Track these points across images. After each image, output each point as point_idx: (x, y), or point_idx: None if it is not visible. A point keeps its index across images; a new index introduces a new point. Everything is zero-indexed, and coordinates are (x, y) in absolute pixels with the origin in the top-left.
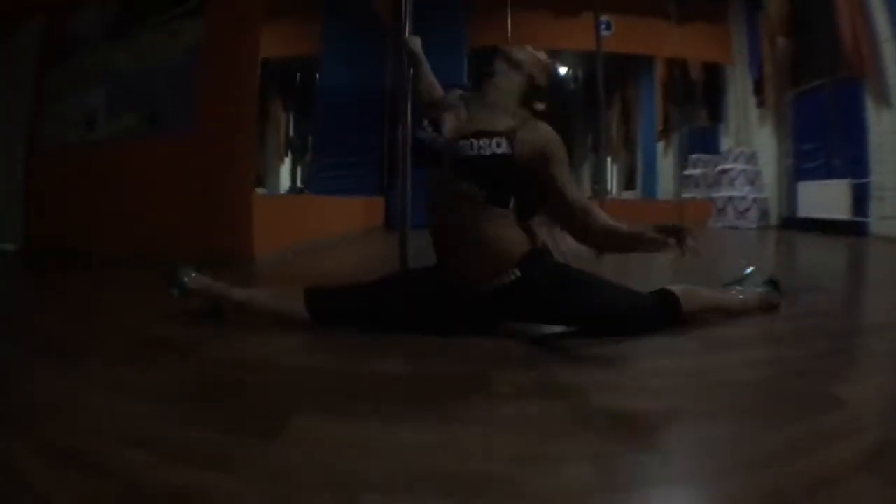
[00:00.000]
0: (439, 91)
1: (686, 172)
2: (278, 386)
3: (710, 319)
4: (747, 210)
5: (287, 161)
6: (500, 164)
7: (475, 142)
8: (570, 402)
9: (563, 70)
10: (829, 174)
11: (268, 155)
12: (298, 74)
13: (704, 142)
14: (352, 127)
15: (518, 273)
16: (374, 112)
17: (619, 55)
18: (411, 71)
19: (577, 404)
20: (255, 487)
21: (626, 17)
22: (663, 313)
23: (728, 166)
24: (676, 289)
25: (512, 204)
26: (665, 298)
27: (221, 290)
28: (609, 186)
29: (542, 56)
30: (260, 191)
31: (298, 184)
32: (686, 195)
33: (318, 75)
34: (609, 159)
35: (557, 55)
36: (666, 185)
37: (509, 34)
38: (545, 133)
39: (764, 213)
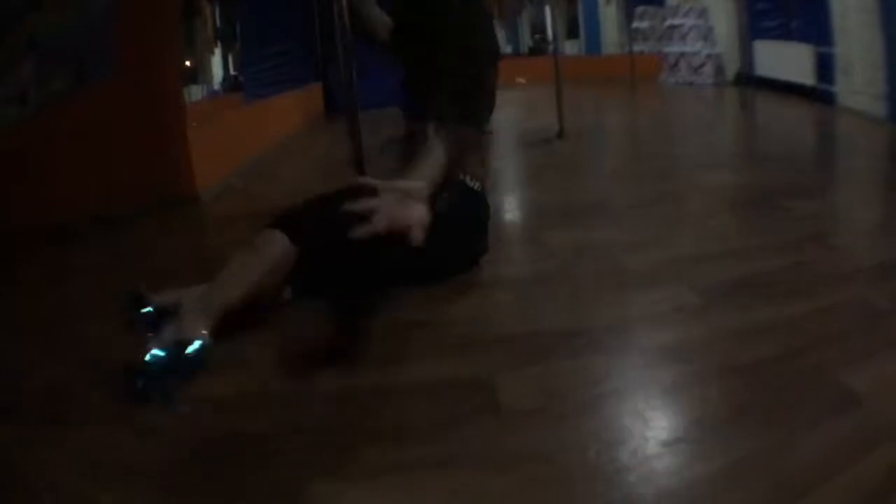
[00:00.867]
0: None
1: (634, 25)
2: None
3: None
4: (702, 66)
5: (218, 51)
6: None
7: None
8: None
9: None
10: (788, 35)
11: (199, 49)
12: None
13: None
14: (279, 6)
15: None
16: None
17: None
18: None
19: None
20: None
21: None
22: None
23: (678, 21)
24: None
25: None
26: None
27: (192, 299)
28: (550, 37)
29: None
30: (193, 93)
31: (231, 71)
32: (635, 49)
33: None
34: (548, 8)
35: None
36: (610, 36)
37: None
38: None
39: (719, 70)
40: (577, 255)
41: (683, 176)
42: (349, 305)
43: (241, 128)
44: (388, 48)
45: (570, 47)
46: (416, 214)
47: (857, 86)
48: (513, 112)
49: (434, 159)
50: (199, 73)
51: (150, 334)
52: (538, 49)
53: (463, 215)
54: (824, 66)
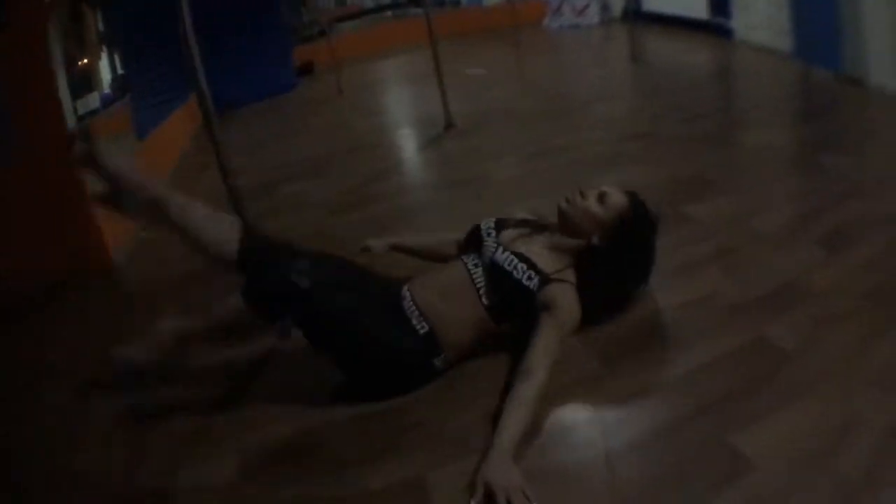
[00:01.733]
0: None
1: None
2: None
3: None
4: (586, 7)
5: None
6: (518, 292)
7: (512, 257)
8: None
9: None
10: None
11: (88, 52)
12: None
13: None
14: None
15: None
16: None
17: None
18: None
19: None
20: None
21: None
22: None
23: None
24: None
25: (502, 324)
26: None
27: (143, 180)
28: None
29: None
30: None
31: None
32: None
33: None
34: None
35: None
36: None
37: None
38: (570, 302)
39: (605, 7)
40: None
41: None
42: None
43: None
44: None
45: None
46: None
47: (757, 21)
48: (391, 93)
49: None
50: (92, 81)
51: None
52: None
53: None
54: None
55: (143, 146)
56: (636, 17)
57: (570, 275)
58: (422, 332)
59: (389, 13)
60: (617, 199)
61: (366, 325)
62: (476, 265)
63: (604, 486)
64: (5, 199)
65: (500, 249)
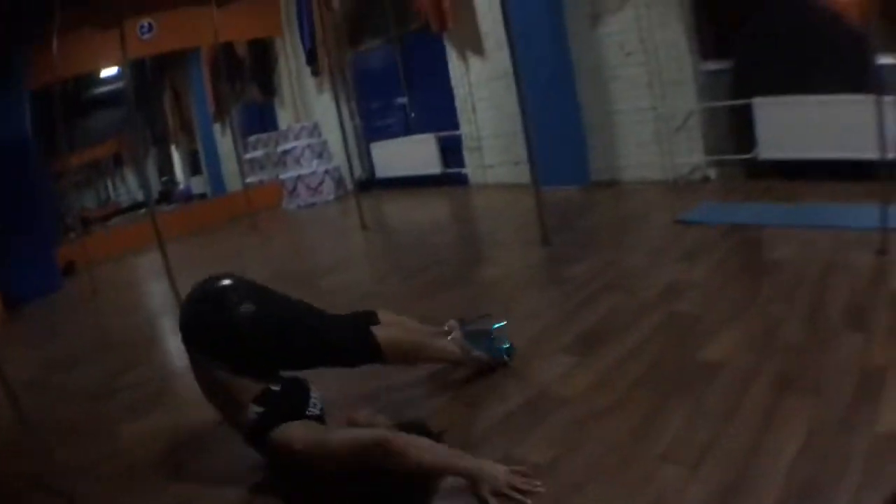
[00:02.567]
0: None
1: (248, 156)
2: None
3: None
4: (320, 184)
5: None
6: None
7: None
8: None
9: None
10: (408, 130)
11: None
12: None
13: (262, 119)
14: None
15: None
16: None
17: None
18: None
19: None
20: None
21: (168, 14)
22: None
23: (290, 145)
24: (381, 333)
25: None
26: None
27: None
28: (178, 176)
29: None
30: None
31: None
32: (252, 179)
33: None
34: (172, 147)
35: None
36: (230, 166)
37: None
38: None
39: (339, 183)
40: None
41: None
42: None
43: None
44: None
45: (197, 184)
46: None
47: (489, 160)
48: (141, 290)
49: None
50: None
51: None
52: (167, 194)
53: None
54: (449, 151)
55: None
56: (370, 186)
57: None
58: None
59: (142, 210)
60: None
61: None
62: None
63: None
64: None
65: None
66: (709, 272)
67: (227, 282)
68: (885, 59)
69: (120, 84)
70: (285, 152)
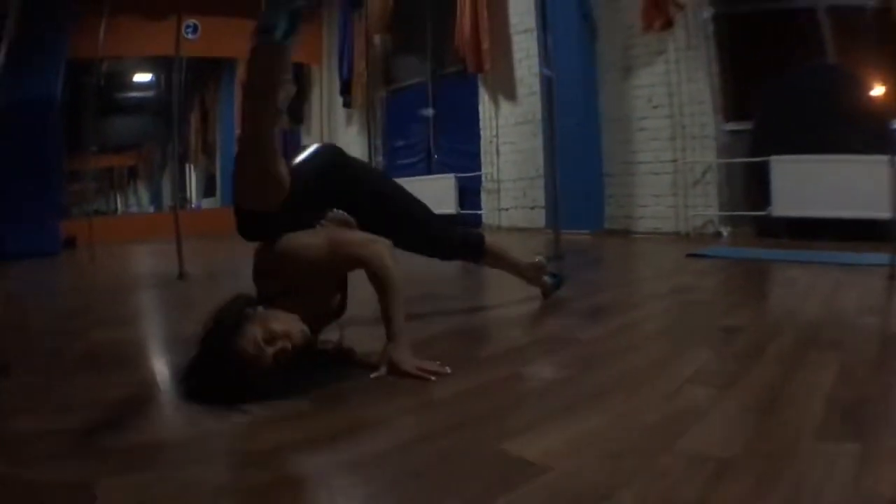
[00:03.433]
0: None
1: None
2: None
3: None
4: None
5: None
6: None
7: None
8: None
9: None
10: (429, 170)
11: None
12: None
13: (285, 144)
14: None
15: None
16: None
17: (204, 59)
18: None
19: None
20: None
21: (213, 19)
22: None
23: None
24: (489, 238)
25: None
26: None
27: None
28: (189, 195)
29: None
30: None
31: None
32: None
33: None
34: (190, 166)
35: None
36: None
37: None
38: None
39: None
40: None
41: None
42: None
43: None
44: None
45: (207, 204)
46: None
47: (505, 203)
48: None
49: None
50: None
51: None
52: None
53: None
54: (467, 192)
55: None
56: None
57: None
58: None
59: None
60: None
61: None
62: None
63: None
64: None
65: None
66: (717, 281)
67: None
68: None
69: (150, 92)
70: None
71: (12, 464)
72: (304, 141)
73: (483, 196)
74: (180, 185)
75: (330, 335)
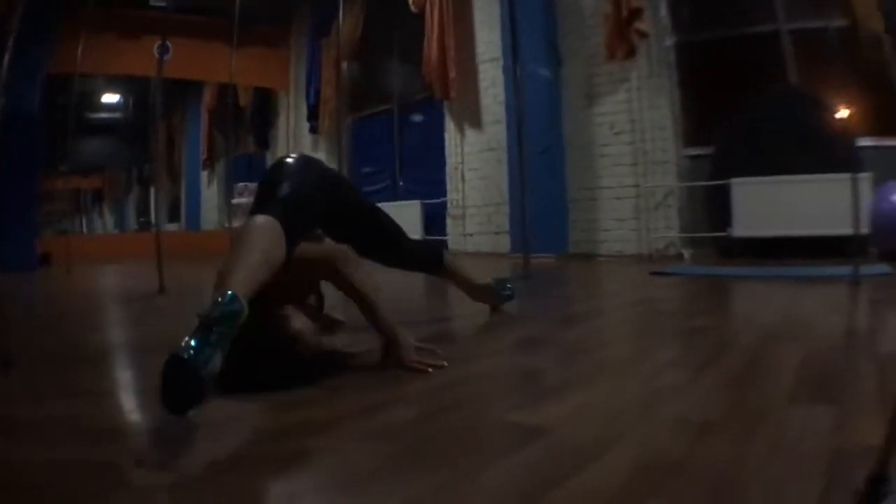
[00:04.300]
0: None
1: (233, 201)
2: None
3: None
4: None
5: None
6: None
7: None
8: None
9: (115, 98)
10: (395, 196)
11: None
12: None
13: (250, 170)
14: None
15: None
16: None
17: (173, 80)
18: None
19: None
20: None
21: (186, 42)
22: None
23: None
24: (447, 255)
25: None
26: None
27: None
28: (153, 218)
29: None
30: None
31: None
32: (235, 224)
33: None
34: (154, 190)
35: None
36: (209, 215)
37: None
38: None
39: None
40: None
41: None
42: None
43: None
44: None
45: (171, 230)
46: None
47: (470, 228)
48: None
49: None
50: None
51: None
52: (142, 228)
53: None
54: (432, 218)
55: None
56: None
57: None
58: None
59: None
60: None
61: None
62: None
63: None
64: None
65: None
66: (681, 294)
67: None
68: (861, 142)
69: (118, 114)
70: None
71: (42, 448)
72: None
73: (448, 222)
74: (144, 209)
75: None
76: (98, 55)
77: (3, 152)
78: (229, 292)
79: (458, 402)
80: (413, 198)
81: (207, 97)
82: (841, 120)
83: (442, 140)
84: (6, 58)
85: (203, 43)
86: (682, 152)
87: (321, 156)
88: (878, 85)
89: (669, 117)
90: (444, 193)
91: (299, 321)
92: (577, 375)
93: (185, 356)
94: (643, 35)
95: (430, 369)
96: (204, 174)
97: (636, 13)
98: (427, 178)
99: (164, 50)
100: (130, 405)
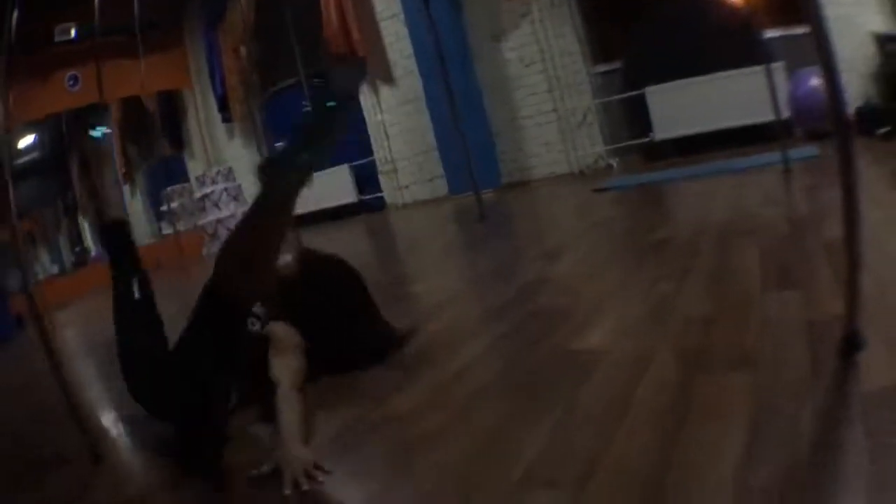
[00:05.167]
0: None
1: (163, 208)
2: None
3: None
4: None
5: None
6: None
7: None
8: None
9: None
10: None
11: None
12: None
13: (170, 173)
14: None
15: None
16: None
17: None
18: None
19: None
20: None
21: (92, 67)
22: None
23: (208, 190)
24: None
25: None
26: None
27: None
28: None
29: None
30: None
31: None
32: (168, 232)
33: None
34: (80, 216)
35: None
36: (142, 228)
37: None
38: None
39: None
40: None
41: None
42: None
43: None
44: None
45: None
46: None
47: (404, 181)
48: None
49: None
50: None
51: None
52: (84, 262)
53: None
54: (363, 179)
55: None
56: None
57: None
58: None
59: None
60: None
61: None
62: None
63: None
64: None
65: None
66: (630, 209)
67: None
68: (769, 33)
69: (35, 154)
70: (204, 197)
71: None
72: (189, 166)
73: (381, 179)
74: (77, 238)
75: None
76: (13, 107)
77: None
78: None
79: (528, 336)
80: (339, 163)
81: (113, 111)
82: (744, 13)
83: (357, 102)
84: None
85: (111, 63)
86: (593, 71)
87: (237, 143)
88: None
89: (576, 41)
90: (370, 153)
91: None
92: (592, 307)
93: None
94: None
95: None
96: (126, 187)
97: None
98: (350, 142)
99: (74, 81)
100: None
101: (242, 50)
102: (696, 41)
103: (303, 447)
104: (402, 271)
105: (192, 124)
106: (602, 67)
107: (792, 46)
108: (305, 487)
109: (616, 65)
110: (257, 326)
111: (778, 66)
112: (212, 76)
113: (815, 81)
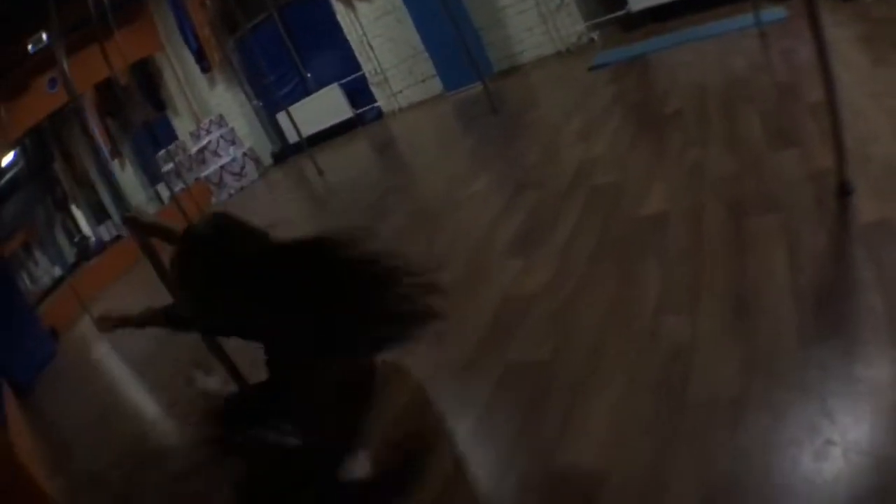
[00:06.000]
0: None
1: (165, 170)
2: None
3: None
4: (243, 168)
5: None
6: None
7: None
8: None
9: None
10: (307, 91)
11: None
12: None
13: (159, 136)
14: None
15: None
16: None
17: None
18: None
19: None
20: None
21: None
22: None
23: (205, 141)
24: None
25: None
26: None
27: None
28: (86, 230)
29: None
30: None
31: None
32: (177, 189)
33: None
34: (73, 206)
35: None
36: (139, 198)
37: None
38: None
39: (258, 162)
40: None
41: None
42: None
43: None
44: None
45: (105, 232)
46: None
47: (397, 87)
48: None
49: None
50: None
51: None
52: (85, 251)
53: None
54: (356, 93)
55: None
56: (284, 155)
57: None
58: None
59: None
60: None
61: None
62: None
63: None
64: None
65: None
66: (633, 83)
67: None
68: None
69: (18, 167)
70: (202, 149)
71: None
72: (175, 123)
73: (374, 90)
74: (74, 228)
75: None
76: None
77: None
78: None
79: (602, 211)
80: (328, 83)
81: (87, 98)
82: None
83: (335, 21)
84: None
85: (83, 54)
86: None
87: (220, 89)
88: None
89: None
90: (358, 68)
91: None
92: (641, 178)
93: None
94: None
95: None
96: (115, 163)
97: None
98: (335, 62)
99: (52, 84)
100: None
101: (208, 1)
102: None
103: None
104: (457, 172)
105: (172, 84)
106: None
107: None
108: None
109: None
110: None
111: None
112: (183, 33)
113: None
